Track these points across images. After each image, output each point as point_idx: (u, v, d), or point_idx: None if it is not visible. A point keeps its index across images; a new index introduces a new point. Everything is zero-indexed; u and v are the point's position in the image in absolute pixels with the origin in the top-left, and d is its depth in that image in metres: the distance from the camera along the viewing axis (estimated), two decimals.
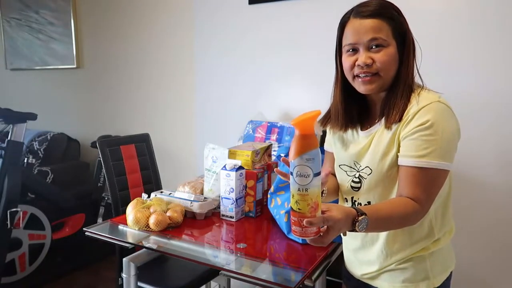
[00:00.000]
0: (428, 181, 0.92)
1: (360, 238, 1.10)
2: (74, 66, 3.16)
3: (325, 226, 0.81)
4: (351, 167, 1.08)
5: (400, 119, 0.96)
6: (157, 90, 2.77)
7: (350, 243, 1.15)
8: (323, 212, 0.82)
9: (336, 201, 1.19)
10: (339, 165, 1.12)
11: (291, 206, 0.83)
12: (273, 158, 1.74)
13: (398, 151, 0.96)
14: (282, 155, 1.40)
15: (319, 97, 2.13)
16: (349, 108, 1.07)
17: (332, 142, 1.16)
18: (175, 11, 2.60)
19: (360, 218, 0.83)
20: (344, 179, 1.11)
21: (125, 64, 2.90)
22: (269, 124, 2.05)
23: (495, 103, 1.71)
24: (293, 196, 0.82)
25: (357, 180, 1.07)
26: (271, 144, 1.72)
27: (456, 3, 1.75)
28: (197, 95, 2.57)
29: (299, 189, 0.80)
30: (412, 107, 0.95)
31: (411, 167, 0.92)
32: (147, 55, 2.77)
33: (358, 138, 1.07)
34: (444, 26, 1.78)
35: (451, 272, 1.09)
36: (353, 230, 0.84)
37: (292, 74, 2.21)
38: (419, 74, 1.04)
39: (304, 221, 0.79)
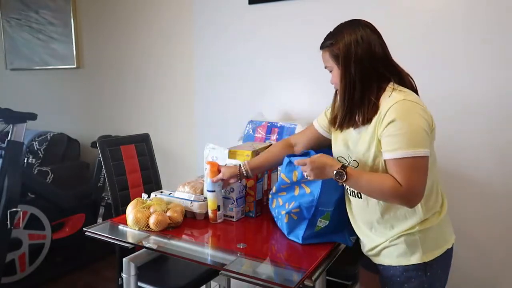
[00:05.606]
0: (406, 168, 1.06)
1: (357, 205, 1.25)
2: (74, 66, 3.16)
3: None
4: (346, 160, 1.25)
5: (365, 122, 1.15)
6: (157, 90, 2.77)
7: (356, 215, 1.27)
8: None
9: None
10: (337, 157, 1.28)
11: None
12: None
13: (379, 144, 1.12)
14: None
15: (319, 96, 2.12)
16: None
17: (330, 133, 1.34)
18: (175, 11, 2.60)
19: (339, 169, 1.11)
20: None
21: (125, 64, 2.90)
22: (269, 124, 2.05)
23: (490, 103, 1.71)
24: None
25: None
26: (271, 144, 1.72)
27: (451, 2, 1.75)
28: (197, 95, 2.57)
29: None
30: (383, 108, 1.11)
31: (390, 159, 1.09)
32: (147, 55, 2.78)
33: (351, 134, 1.23)
34: (438, 26, 1.78)
35: (446, 250, 1.18)
36: (335, 179, 1.11)
37: (292, 74, 2.21)
38: (398, 71, 1.17)
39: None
